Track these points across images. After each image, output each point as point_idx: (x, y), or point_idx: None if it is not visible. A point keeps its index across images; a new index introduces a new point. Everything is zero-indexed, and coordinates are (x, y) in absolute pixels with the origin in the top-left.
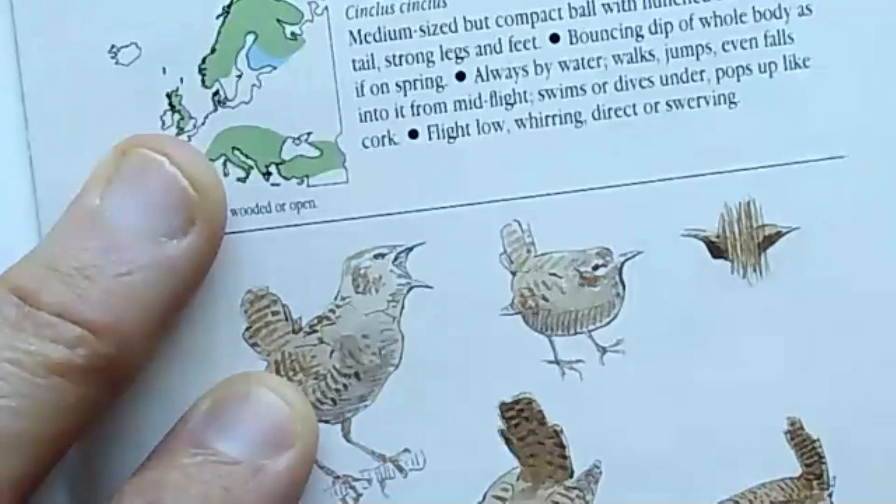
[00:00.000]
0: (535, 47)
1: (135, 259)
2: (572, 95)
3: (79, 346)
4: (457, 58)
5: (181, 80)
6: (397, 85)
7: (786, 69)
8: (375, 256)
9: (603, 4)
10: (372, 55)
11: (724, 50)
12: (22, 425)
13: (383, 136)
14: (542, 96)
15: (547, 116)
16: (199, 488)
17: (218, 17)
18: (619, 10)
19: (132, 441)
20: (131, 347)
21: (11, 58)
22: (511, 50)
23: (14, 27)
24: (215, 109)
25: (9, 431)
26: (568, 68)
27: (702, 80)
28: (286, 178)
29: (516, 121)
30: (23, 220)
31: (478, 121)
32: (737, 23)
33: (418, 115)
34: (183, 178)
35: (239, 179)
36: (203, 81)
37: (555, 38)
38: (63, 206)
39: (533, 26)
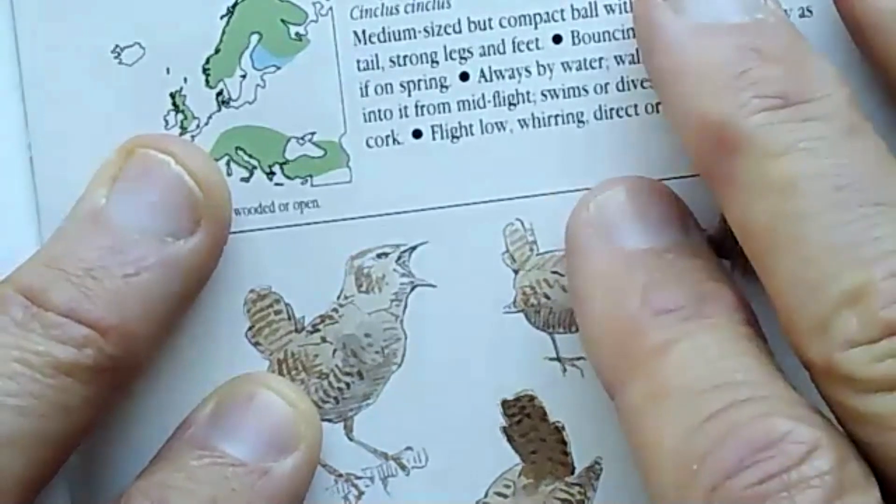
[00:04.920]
0: (538, 48)
1: (141, 259)
2: (575, 96)
3: (86, 346)
4: (460, 58)
5: (185, 80)
6: (401, 85)
7: None
8: (378, 256)
9: (605, 6)
10: (376, 55)
11: None
12: (29, 425)
13: (387, 136)
14: (545, 96)
15: (549, 116)
16: (205, 490)
17: (222, 18)
18: (621, 12)
19: (134, 441)
20: (137, 347)
21: (13, 58)
22: (514, 50)
23: (15, 27)
24: (219, 109)
25: (16, 431)
26: (570, 69)
27: None
28: (290, 178)
29: (519, 121)
30: (24, 220)
31: (481, 121)
32: None
33: (422, 115)
34: (188, 177)
35: (242, 179)
36: (207, 81)
37: (557, 39)
38: (65, 206)
39: (536, 27)
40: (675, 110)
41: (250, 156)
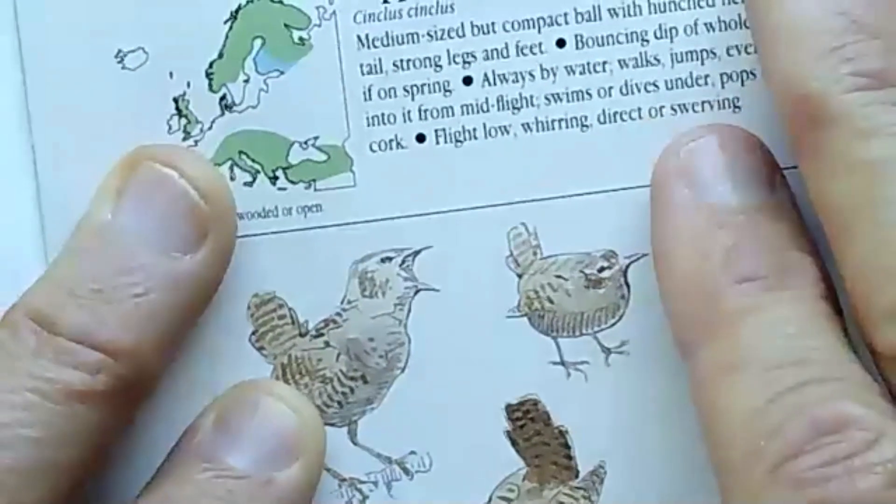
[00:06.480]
0: (541, 52)
1: (150, 278)
2: (578, 100)
3: (99, 371)
4: (464, 62)
5: (188, 84)
6: (405, 89)
7: None
8: (382, 260)
9: (609, 9)
10: (379, 60)
11: (728, 55)
12: (45, 454)
13: (391, 140)
14: (549, 100)
15: (553, 120)
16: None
17: (226, 22)
18: (624, 16)
19: (139, 446)
20: (150, 367)
21: (16, 63)
22: (518, 54)
23: (18, 32)
24: (222, 114)
25: (33, 462)
26: (574, 73)
27: (706, 84)
28: (293, 183)
29: (523, 125)
30: (27, 226)
31: (485, 125)
32: (741, 28)
33: (426, 119)
34: (193, 191)
35: (246, 184)
36: (210, 86)
37: (561, 43)
38: (68, 211)
39: (539, 31)
40: (770, 72)
41: (254, 160)
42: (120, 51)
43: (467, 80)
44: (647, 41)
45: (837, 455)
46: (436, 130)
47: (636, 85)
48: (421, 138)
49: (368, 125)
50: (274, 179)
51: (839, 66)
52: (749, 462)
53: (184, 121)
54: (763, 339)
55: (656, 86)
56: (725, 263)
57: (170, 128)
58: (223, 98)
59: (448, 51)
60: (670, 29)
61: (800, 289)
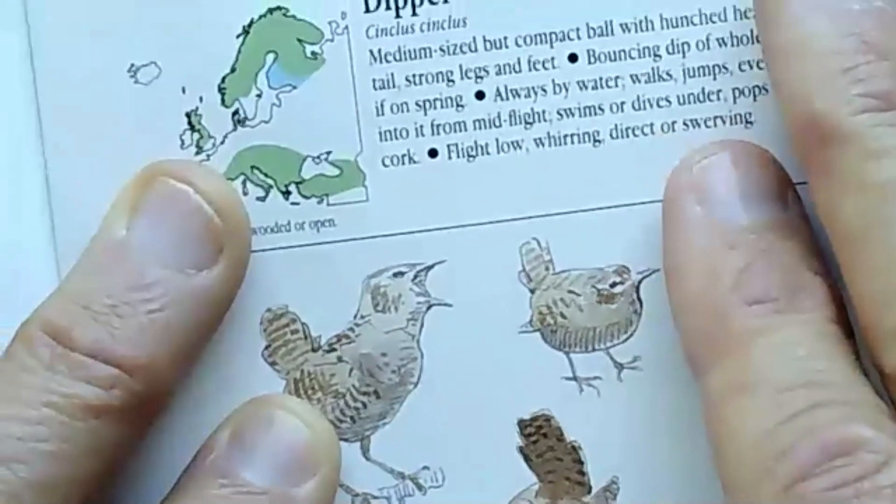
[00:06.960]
0: (553, 67)
1: (166, 294)
2: (590, 115)
3: (114, 386)
4: (476, 77)
5: (201, 99)
6: (417, 104)
7: None
8: (395, 275)
9: (621, 24)
10: (392, 75)
11: (740, 70)
12: (61, 469)
13: (403, 155)
14: (561, 115)
15: (565, 135)
16: None
17: (238, 37)
18: (636, 31)
19: (151, 461)
20: (164, 382)
21: (28, 77)
22: (530, 69)
23: (31, 46)
24: (235, 129)
25: (50, 477)
26: (586, 88)
27: (718, 99)
28: (306, 197)
29: (535, 140)
30: (39, 239)
31: (497, 140)
32: (753, 43)
33: (438, 134)
34: (208, 206)
35: (258, 198)
36: (223, 101)
37: (573, 58)
38: (80, 226)
39: (552, 46)
40: (781, 89)
41: (266, 175)
42: (132, 65)
43: (479, 95)
44: (660, 56)
45: (847, 478)
46: (448, 145)
47: (648, 100)
48: (433, 153)
49: (381, 140)
50: (287, 194)
51: (850, 87)
52: (759, 483)
53: (196, 135)
54: (773, 361)
55: (668, 101)
56: (736, 284)
57: (182, 142)
58: (236, 113)
59: (460, 66)
60: (682, 44)
61: (810, 311)
